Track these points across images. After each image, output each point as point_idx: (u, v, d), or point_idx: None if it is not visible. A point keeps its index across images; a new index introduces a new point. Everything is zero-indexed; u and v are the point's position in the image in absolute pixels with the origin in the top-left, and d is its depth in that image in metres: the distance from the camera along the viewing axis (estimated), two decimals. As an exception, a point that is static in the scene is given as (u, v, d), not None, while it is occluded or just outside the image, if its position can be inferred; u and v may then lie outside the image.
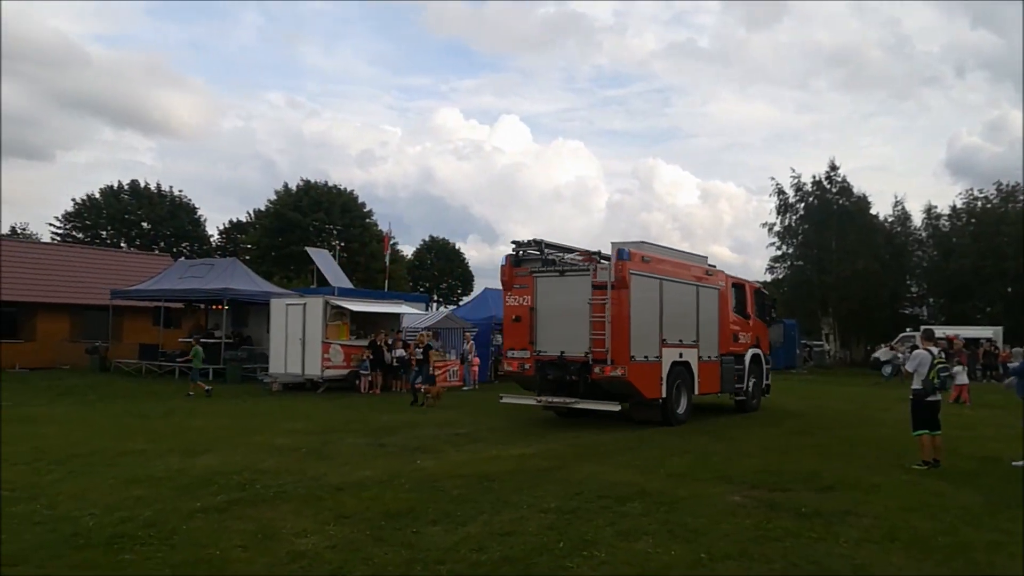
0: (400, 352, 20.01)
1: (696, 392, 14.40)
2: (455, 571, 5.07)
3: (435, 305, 58.78)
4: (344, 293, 23.98)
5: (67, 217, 54.29)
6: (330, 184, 56.55)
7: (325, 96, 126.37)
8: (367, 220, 56.97)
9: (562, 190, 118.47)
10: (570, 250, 13.73)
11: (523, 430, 12.58)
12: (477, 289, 57.18)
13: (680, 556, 5.50)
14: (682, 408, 13.89)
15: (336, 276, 30.50)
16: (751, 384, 16.39)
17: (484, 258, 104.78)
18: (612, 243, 13.07)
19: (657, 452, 10.38)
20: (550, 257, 13.57)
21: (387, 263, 38.83)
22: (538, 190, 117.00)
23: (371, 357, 20.11)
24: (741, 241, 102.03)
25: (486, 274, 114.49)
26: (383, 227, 53.39)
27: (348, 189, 57.52)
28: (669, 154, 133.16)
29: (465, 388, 22.11)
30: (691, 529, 6.23)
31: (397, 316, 23.10)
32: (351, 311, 20.89)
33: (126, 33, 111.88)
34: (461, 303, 53.85)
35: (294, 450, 10.04)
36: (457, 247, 74.82)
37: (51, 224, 55.70)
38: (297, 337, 20.14)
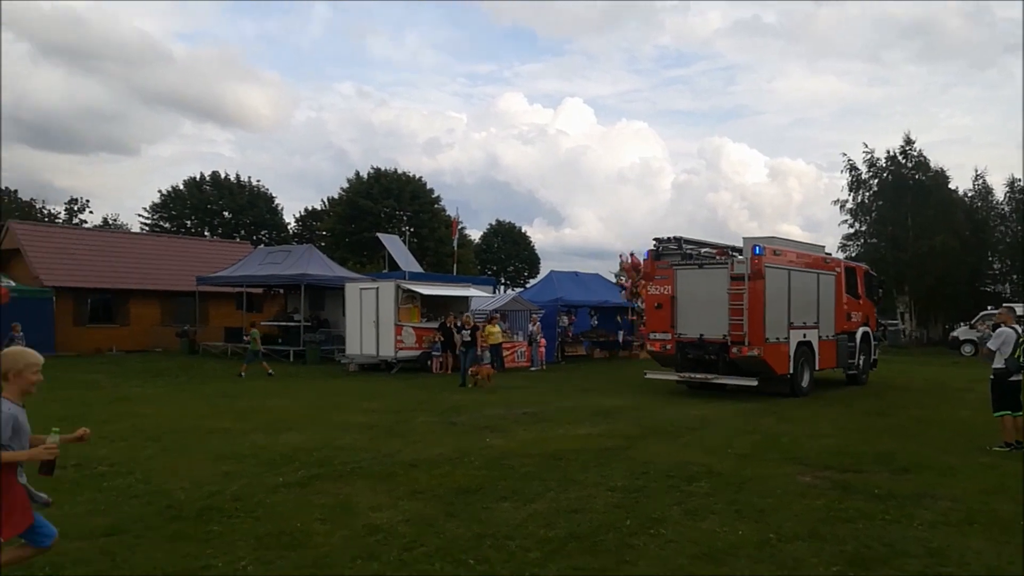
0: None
1: (816, 368, 15.80)
2: (524, 546, 5.19)
3: (502, 288, 59.23)
4: (415, 277, 24.44)
5: (154, 208, 56.99)
6: (399, 171, 57.48)
7: (393, 85, 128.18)
8: (435, 206, 57.68)
9: (626, 172, 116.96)
10: (704, 245, 15.69)
11: (590, 410, 12.65)
12: (543, 272, 57.39)
13: (748, 536, 5.50)
14: (806, 382, 15.38)
15: (407, 261, 31.08)
16: (861, 359, 17.85)
17: (550, 241, 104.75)
18: (744, 239, 14.68)
19: (724, 433, 10.30)
20: (688, 252, 15.30)
21: (455, 247, 39.29)
22: (603, 172, 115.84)
23: (442, 339, 20.51)
24: (812, 219, 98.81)
25: (552, 257, 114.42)
26: (451, 212, 54.01)
27: (417, 176, 58.32)
28: (736, 132, 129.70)
29: (532, 369, 22.29)
30: (759, 509, 6.21)
31: (466, 299, 23.41)
32: (422, 294, 21.30)
33: (204, 30, 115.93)
34: (528, 286, 54.03)
35: (370, 428, 10.40)
36: (523, 230, 75.07)
37: (140, 215, 58.51)
38: (371, 320, 20.71)
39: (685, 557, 5.04)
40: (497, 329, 21.30)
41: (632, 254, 27.11)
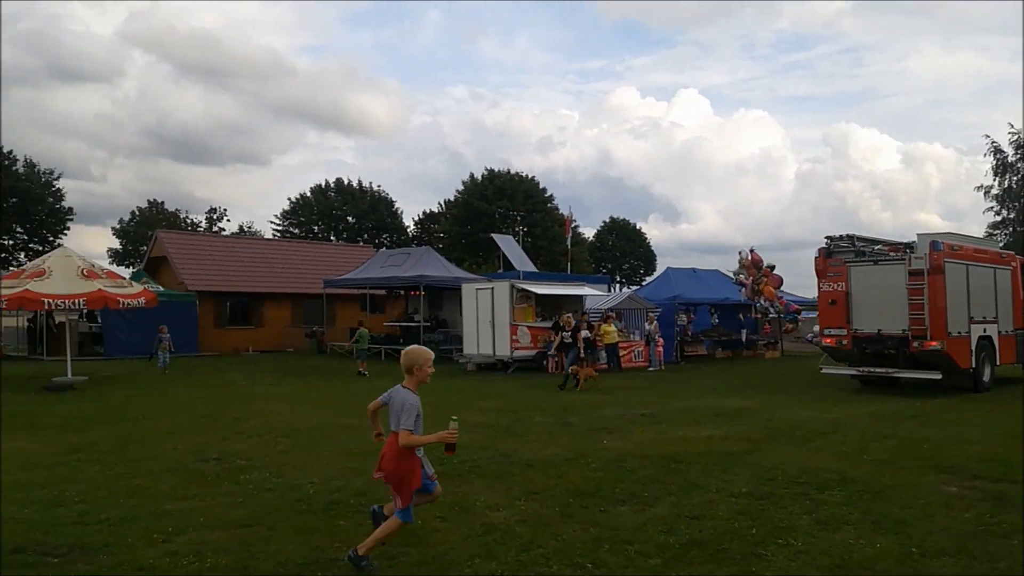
0: (585, 333, 20.18)
1: (997, 363, 15.91)
2: (643, 552, 5.06)
3: (617, 286, 58.69)
4: (529, 277, 24.60)
5: (284, 215, 60.51)
6: (512, 172, 58.16)
7: (505, 86, 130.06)
8: (548, 205, 57.99)
9: (746, 162, 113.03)
10: (877, 242, 16.18)
11: (712, 411, 12.26)
12: (659, 269, 56.36)
13: (887, 549, 5.12)
14: (987, 376, 15.46)
15: (521, 260, 31.33)
16: None
17: (666, 237, 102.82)
18: (919, 235, 15.27)
19: (858, 437, 9.69)
20: (861, 248, 15.72)
21: (569, 246, 39.21)
22: (720, 164, 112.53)
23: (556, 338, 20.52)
24: (952, 207, 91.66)
25: (669, 253, 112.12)
26: (564, 211, 54.10)
27: (529, 175, 58.85)
28: (864, 117, 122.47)
29: (650, 369, 21.89)
30: (899, 520, 5.77)
31: (580, 298, 23.31)
32: (536, 294, 21.40)
33: (325, 43, 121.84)
34: (644, 283, 53.25)
35: (487, 427, 10.52)
36: (638, 227, 74.08)
37: (272, 222, 62.36)
38: (487, 320, 21.00)
39: (817, 569, 4.76)
40: (613, 328, 21.09)
41: (752, 250, 25.98)
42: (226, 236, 50.28)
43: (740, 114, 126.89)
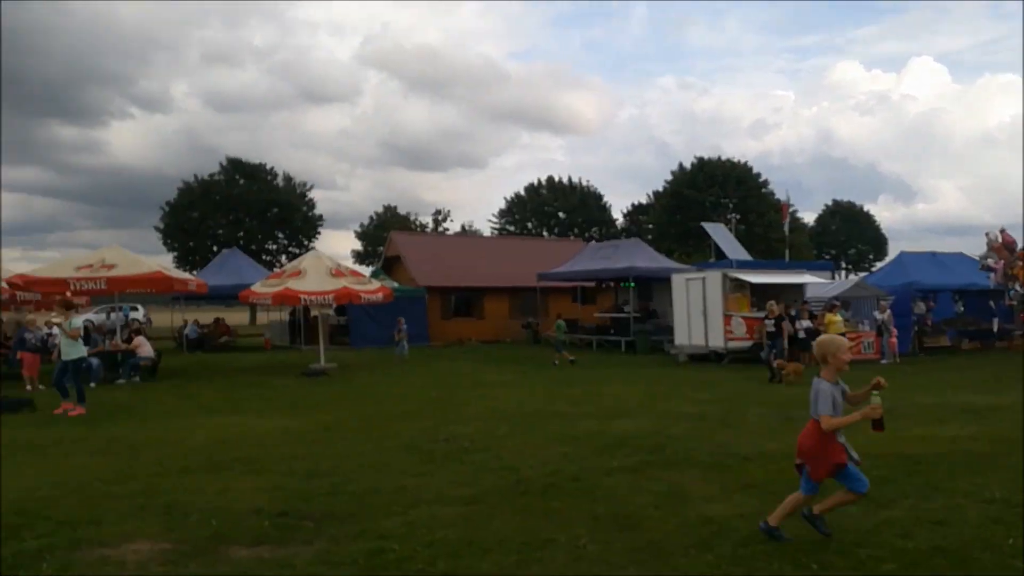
0: (806, 323, 18.95)
1: None
2: (876, 556, 4.71)
3: (842, 273, 54.49)
4: (742, 265, 23.66)
5: (501, 213, 63.50)
6: (723, 158, 56.09)
7: (714, 72, 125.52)
8: (763, 190, 55.28)
9: (994, 133, 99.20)
10: None
11: (957, 408, 10.99)
12: (892, 253, 51.42)
13: None
14: None
15: (733, 249, 30.15)
16: None
17: (899, 218, 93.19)
18: None
19: None
20: None
21: (786, 232, 36.98)
22: (962, 136, 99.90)
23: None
24: None
25: (902, 236, 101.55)
26: (780, 196, 51.19)
27: (742, 161, 56.38)
28: None
29: (883, 361, 20.06)
30: None
31: (800, 286, 21.94)
32: (751, 283, 20.53)
33: (534, 47, 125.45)
34: (873, 269, 48.75)
35: (700, 418, 10.33)
36: (865, 209, 68.30)
37: (490, 220, 65.68)
38: (698, 310, 20.53)
39: (1092, 591, 4.15)
40: (838, 318, 19.61)
41: (1003, 230, 22.66)
42: (450, 235, 53.79)
43: (985, 80, 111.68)
